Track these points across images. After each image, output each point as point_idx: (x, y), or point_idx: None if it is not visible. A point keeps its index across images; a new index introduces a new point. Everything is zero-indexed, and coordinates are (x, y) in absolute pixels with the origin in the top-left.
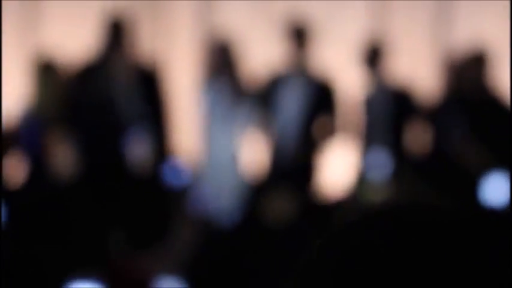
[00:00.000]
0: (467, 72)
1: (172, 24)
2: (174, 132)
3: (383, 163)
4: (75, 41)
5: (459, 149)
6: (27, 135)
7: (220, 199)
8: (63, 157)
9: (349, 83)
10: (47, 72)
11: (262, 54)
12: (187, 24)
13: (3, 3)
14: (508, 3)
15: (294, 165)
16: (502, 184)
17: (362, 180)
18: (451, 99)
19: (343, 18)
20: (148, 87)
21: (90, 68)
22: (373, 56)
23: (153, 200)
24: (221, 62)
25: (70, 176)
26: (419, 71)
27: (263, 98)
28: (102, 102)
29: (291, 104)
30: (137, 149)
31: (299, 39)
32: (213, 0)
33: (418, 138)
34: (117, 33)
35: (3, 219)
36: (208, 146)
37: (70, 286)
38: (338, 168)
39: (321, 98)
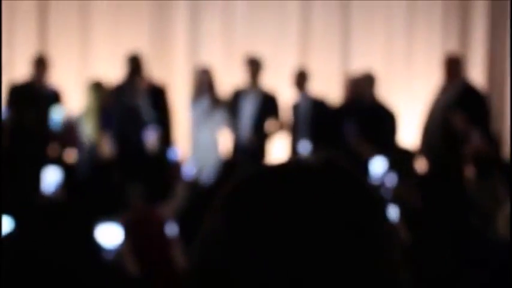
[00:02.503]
0: (361, 89)
1: (171, 60)
2: (174, 128)
3: (307, 148)
4: (114, 70)
5: (354, 139)
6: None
7: (203, 169)
8: (105, 143)
9: (286, 96)
10: (95, 89)
11: (229, 78)
12: (181, 60)
13: (64, 44)
14: (388, 43)
15: (251, 149)
16: (380, 165)
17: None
18: (350, 106)
19: (282, 55)
20: (157, 99)
21: (122, 86)
22: (300, 79)
23: (161, 170)
24: (203, 84)
25: (110, 155)
26: (330, 88)
27: (231, 106)
28: (130, 109)
29: (249, 110)
30: (151, 138)
31: (253, 68)
32: (198, 45)
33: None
34: (136, 65)
35: (60, 183)
36: (196, 137)
37: (101, 225)
38: (279, 151)
39: (268, 106)
